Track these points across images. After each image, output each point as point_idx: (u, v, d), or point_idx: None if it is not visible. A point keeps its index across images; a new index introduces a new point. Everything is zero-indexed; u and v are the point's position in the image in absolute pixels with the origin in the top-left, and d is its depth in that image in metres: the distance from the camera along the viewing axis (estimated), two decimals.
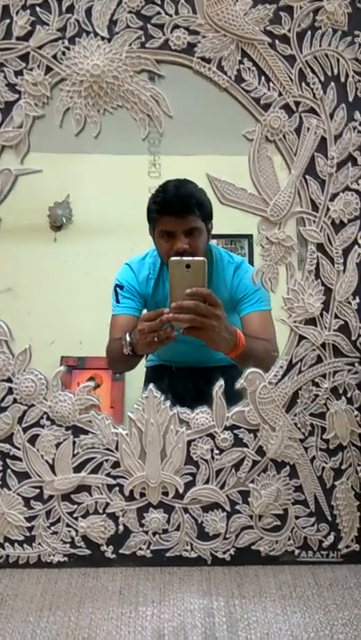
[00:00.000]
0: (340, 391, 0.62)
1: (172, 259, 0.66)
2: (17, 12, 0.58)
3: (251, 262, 0.91)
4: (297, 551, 0.65)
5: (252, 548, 0.64)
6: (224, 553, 0.64)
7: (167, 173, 0.71)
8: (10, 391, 0.63)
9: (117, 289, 0.80)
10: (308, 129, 0.59)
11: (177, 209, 0.73)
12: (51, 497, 0.64)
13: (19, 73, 0.59)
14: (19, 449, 0.63)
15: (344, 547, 0.64)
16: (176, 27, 0.58)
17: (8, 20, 0.58)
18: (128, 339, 0.71)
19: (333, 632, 0.56)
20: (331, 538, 0.64)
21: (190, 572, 0.64)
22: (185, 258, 0.67)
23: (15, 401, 0.63)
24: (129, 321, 0.75)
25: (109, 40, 0.58)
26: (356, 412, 0.63)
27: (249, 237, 1.28)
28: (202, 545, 0.64)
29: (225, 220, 0.81)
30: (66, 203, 1.41)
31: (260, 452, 0.63)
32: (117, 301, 0.80)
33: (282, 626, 0.57)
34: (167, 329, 0.67)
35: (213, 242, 0.87)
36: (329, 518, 0.64)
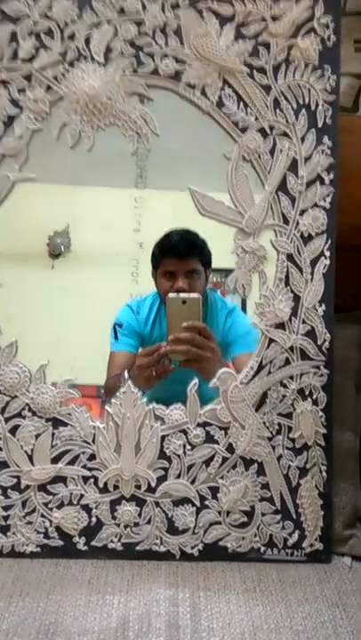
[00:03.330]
0: (307, 392, 0.65)
1: (170, 295, 0.70)
2: (23, 38, 0.63)
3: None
4: (263, 548, 0.65)
5: (220, 543, 0.65)
6: (192, 548, 0.65)
7: (153, 186, 0.75)
8: None
9: (117, 327, 0.83)
10: (281, 150, 0.64)
11: (180, 251, 0.77)
12: (27, 487, 0.65)
13: (21, 90, 0.63)
14: None
15: (308, 545, 0.65)
16: (165, 56, 0.63)
17: (15, 44, 0.63)
18: (126, 375, 0.73)
19: (293, 624, 0.57)
20: (295, 536, 0.65)
21: (159, 565, 0.65)
22: (182, 294, 0.70)
23: None
24: (127, 358, 0.77)
25: (105, 65, 0.63)
26: (320, 413, 0.65)
27: None
28: (171, 539, 0.65)
29: (219, 255, 0.85)
30: (65, 232, 1.44)
31: (230, 448, 0.65)
32: (116, 338, 0.82)
33: (244, 617, 0.57)
34: (164, 362, 0.70)
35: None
36: (294, 516, 0.65)
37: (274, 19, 0.62)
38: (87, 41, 0.63)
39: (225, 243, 0.77)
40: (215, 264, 0.84)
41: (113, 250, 0.94)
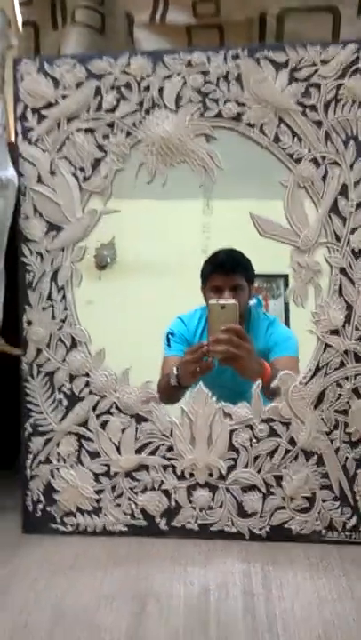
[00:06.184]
0: None
1: (211, 301, 0.78)
2: (106, 91, 0.73)
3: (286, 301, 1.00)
4: (323, 531, 0.72)
5: (285, 526, 0.72)
6: (260, 530, 0.72)
7: (218, 212, 0.83)
8: (87, 384, 0.74)
9: (169, 336, 0.91)
10: (333, 177, 0.70)
11: (226, 268, 0.85)
12: (116, 474, 0.74)
13: (105, 136, 0.73)
14: (92, 432, 0.74)
15: None
16: (228, 100, 0.71)
17: (99, 97, 0.73)
18: (175, 372, 0.81)
19: (354, 594, 0.63)
20: (353, 520, 0.71)
21: (231, 544, 0.72)
22: (221, 300, 0.78)
23: (91, 392, 0.74)
24: (178, 361, 0.86)
25: (176, 111, 0.72)
26: None
27: (285, 277, 1.37)
28: (241, 522, 0.72)
29: (263, 262, 0.91)
30: (111, 244, 1.54)
31: (292, 442, 0.72)
32: (169, 345, 0.91)
33: (309, 587, 0.64)
34: (207, 360, 0.77)
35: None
36: (352, 502, 0.71)
37: (323, 62, 0.70)
38: (160, 91, 0.72)
39: (268, 250, 0.84)
40: (259, 270, 0.90)
41: (158, 261, 0.99)
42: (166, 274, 0.95)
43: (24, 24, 0.95)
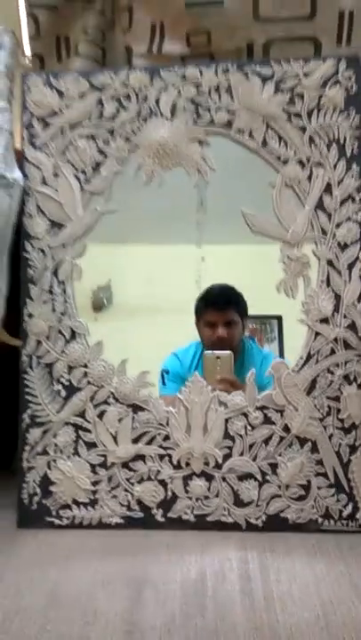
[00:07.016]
0: (352, 378, 0.72)
1: (206, 352, 0.81)
2: (107, 102, 0.78)
3: (281, 342, 1.03)
4: (320, 519, 0.71)
5: (281, 515, 0.71)
6: (256, 519, 0.71)
7: (211, 255, 0.88)
8: (85, 375, 0.75)
9: (164, 373, 0.93)
10: (317, 177, 0.75)
11: (220, 304, 0.88)
12: (113, 464, 0.73)
13: (106, 142, 0.78)
14: (90, 422, 0.74)
15: None
16: (219, 109, 0.76)
17: (100, 107, 0.78)
18: None
19: (352, 579, 0.61)
20: (349, 508, 0.71)
21: (228, 534, 0.71)
22: (216, 351, 0.81)
23: (89, 383, 0.75)
24: (173, 401, 0.87)
25: (171, 119, 0.77)
26: None
27: (278, 318, 1.37)
28: (237, 511, 0.71)
29: (257, 303, 0.94)
30: (108, 286, 1.58)
31: (286, 429, 0.72)
32: (164, 384, 0.92)
33: (307, 572, 0.63)
34: None
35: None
36: (347, 490, 0.71)
37: (306, 75, 0.75)
38: (157, 101, 0.77)
39: (261, 292, 0.87)
40: (253, 312, 0.93)
41: (154, 304, 1.01)
42: (161, 317, 0.97)
43: (31, 56, 1.02)
